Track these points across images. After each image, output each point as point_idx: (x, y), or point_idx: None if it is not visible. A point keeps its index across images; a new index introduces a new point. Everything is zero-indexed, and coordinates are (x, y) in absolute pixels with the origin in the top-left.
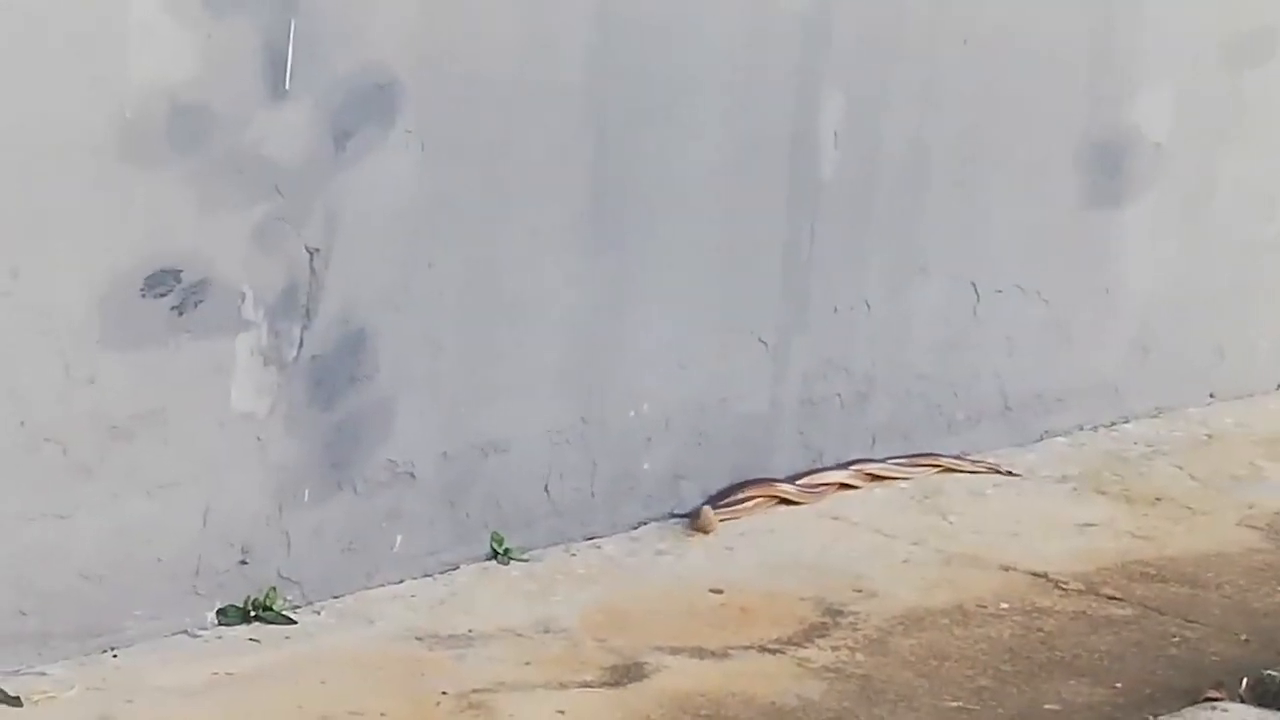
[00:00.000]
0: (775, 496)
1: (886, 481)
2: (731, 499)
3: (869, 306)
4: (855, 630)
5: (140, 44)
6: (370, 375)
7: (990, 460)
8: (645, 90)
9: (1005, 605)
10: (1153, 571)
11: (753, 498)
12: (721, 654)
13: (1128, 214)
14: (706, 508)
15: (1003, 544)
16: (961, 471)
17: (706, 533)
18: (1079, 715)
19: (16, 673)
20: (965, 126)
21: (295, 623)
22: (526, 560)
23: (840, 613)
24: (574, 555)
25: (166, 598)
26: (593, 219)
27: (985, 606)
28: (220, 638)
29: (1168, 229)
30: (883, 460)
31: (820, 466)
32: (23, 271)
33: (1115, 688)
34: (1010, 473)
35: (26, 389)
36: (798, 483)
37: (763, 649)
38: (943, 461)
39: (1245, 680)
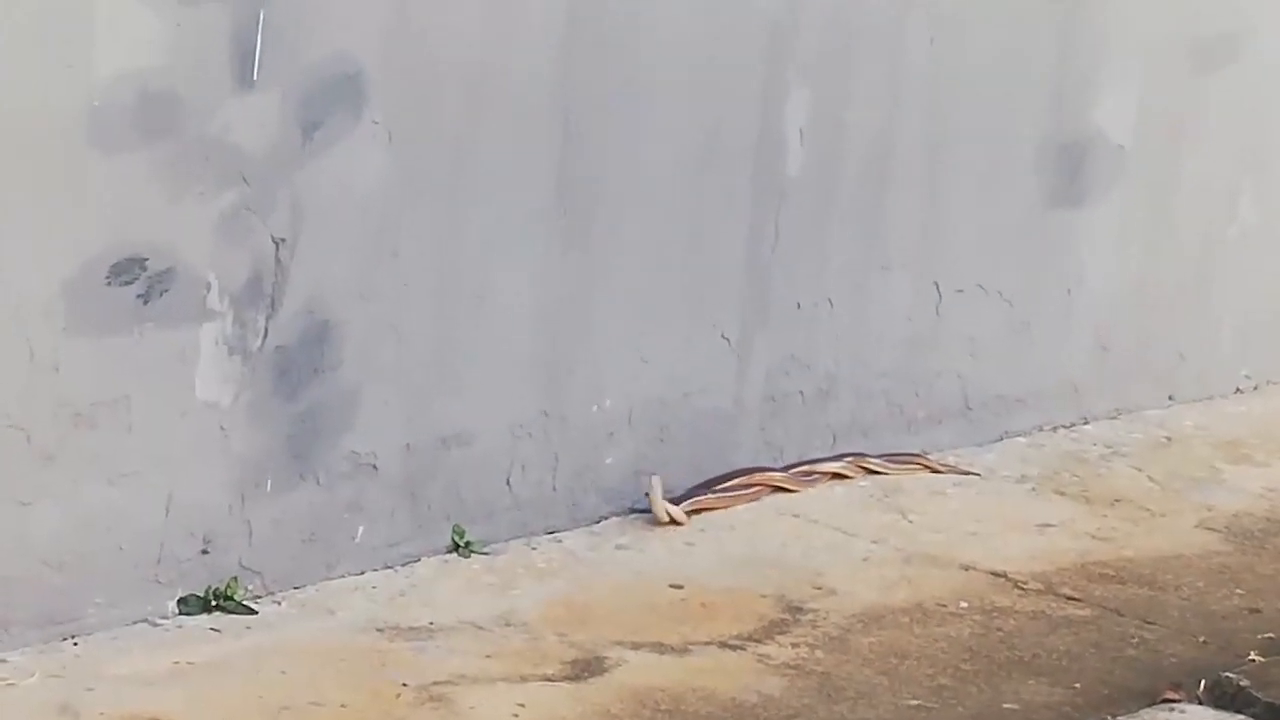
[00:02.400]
0: (768, 485)
1: (847, 481)
2: (725, 486)
3: (832, 304)
4: (815, 627)
5: (109, 31)
6: (334, 366)
7: (955, 462)
8: (612, 84)
9: (964, 604)
10: (1111, 572)
11: (752, 485)
12: (682, 649)
13: (1090, 215)
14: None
15: (962, 543)
16: (940, 472)
17: (679, 524)
18: (1037, 715)
19: None
20: (930, 126)
21: (256, 613)
22: (487, 553)
23: (800, 610)
24: (535, 549)
25: (127, 586)
26: (558, 213)
27: (945, 605)
28: (181, 627)
29: (1130, 231)
30: (877, 457)
31: (817, 458)
32: None
33: (1074, 688)
34: (977, 474)
35: None
36: (791, 471)
37: (723, 645)
38: (927, 463)
39: (1203, 682)
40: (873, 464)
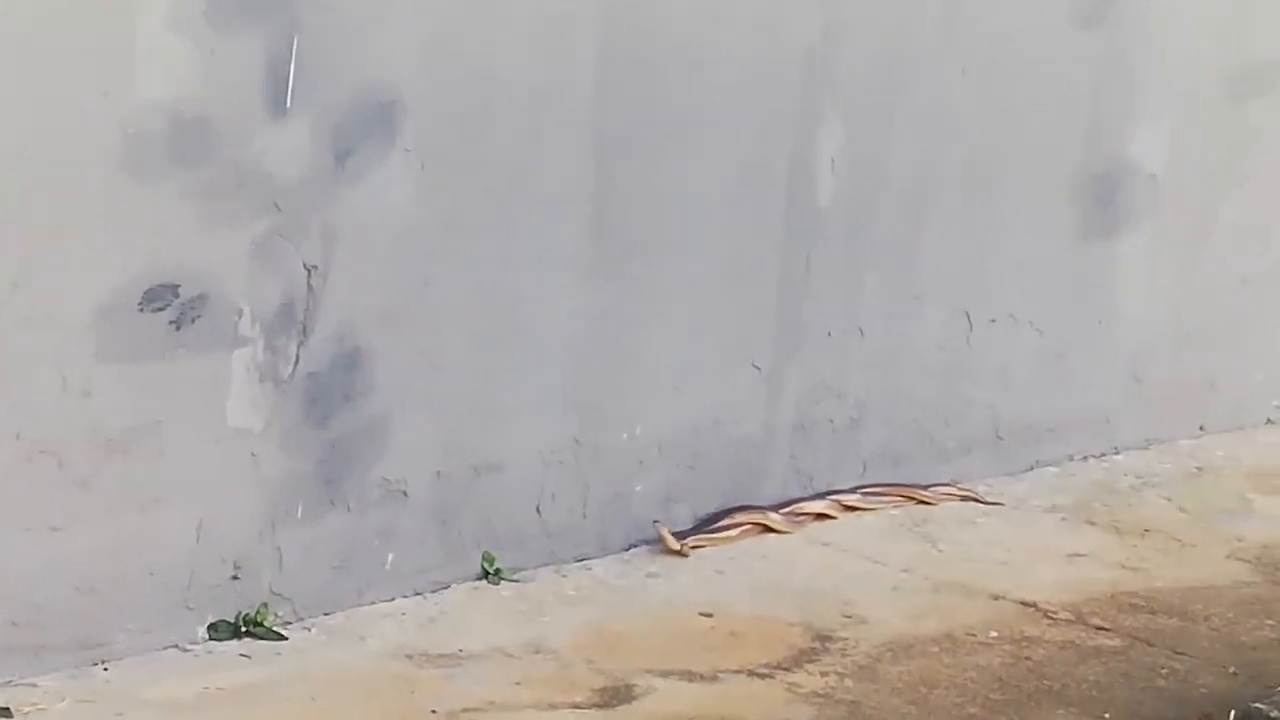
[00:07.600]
0: (760, 525)
1: (866, 511)
2: (716, 525)
3: (863, 333)
4: (844, 656)
5: (144, 60)
6: (365, 393)
7: (963, 487)
8: (647, 114)
9: (994, 634)
10: (1141, 603)
11: (738, 524)
12: (711, 677)
13: (1123, 246)
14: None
15: (992, 573)
16: (936, 501)
17: (684, 555)
18: None
19: (8, 684)
20: (963, 156)
21: (286, 639)
22: (517, 580)
23: (829, 638)
24: (565, 576)
25: (158, 612)
26: (592, 241)
27: (974, 635)
28: (211, 653)
29: (1162, 261)
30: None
31: (801, 497)
32: (21, 284)
33: (1103, 718)
34: (989, 501)
35: (23, 401)
36: (781, 511)
37: (752, 673)
38: (916, 494)
39: (1233, 713)
40: (852, 500)
